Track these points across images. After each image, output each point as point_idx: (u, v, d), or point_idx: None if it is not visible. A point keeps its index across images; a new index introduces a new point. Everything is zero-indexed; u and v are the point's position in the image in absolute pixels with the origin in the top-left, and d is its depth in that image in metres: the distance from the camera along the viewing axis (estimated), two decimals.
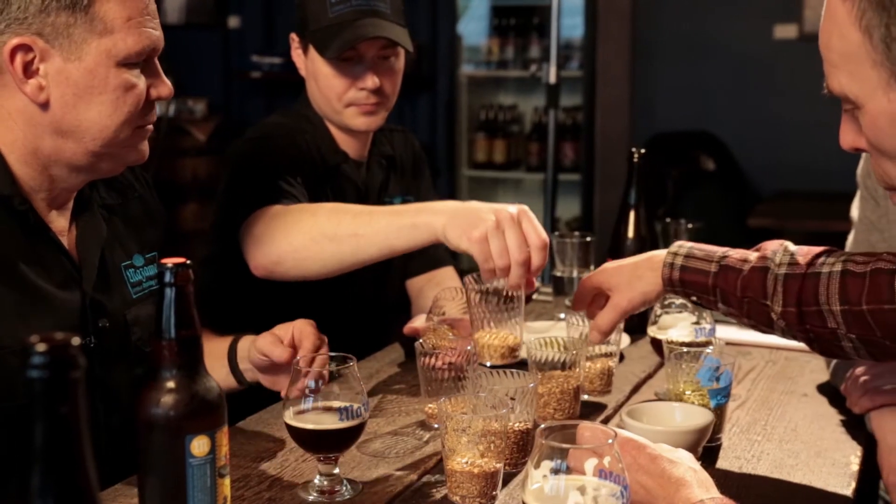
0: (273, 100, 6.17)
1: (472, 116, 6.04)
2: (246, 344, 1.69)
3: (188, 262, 1.16)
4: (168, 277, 1.15)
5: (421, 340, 1.73)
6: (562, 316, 2.33)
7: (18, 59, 1.42)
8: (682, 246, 1.58)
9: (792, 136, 5.35)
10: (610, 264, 1.69)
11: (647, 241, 2.26)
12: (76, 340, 0.76)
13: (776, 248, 1.46)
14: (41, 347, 0.74)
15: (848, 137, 1.18)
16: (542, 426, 1.18)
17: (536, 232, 1.63)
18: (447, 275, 2.39)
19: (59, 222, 1.55)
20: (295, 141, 2.13)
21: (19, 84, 1.44)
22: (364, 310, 2.23)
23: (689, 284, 1.54)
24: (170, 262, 1.15)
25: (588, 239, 2.32)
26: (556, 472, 1.14)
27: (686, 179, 4.95)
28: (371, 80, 2.13)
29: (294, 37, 2.22)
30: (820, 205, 4.75)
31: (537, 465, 1.15)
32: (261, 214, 1.85)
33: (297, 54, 2.22)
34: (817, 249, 1.43)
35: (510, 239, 1.61)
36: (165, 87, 1.54)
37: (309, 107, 2.23)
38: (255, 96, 6.12)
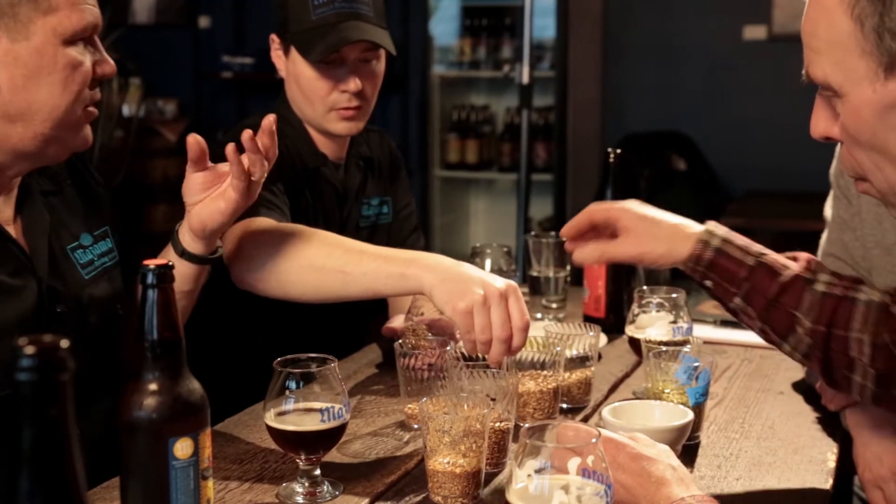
0: (244, 100, 6.15)
1: (445, 117, 6.04)
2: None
3: (170, 263, 1.16)
4: (150, 279, 1.14)
5: (400, 341, 1.73)
6: (538, 316, 2.34)
7: None
8: (718, 227, 1.49)
9: (762, 136, 5.40)
10: (633, 205, 1.55)
11: None
12: (65, 343, 0.75)
13: (817, 263, 1.42)
14: (30, 350, 0.74)
15: (820, 126, 1.18)
16: (526, 426, 1.18)
17: (521, 312, 1.59)
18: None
19: (5, 212, 1.54)
20: None
21: None
22: (341, 310, 2.22)
23: (718, 269, 1.43)
24: (151, 263, 1.14)
25: (564, 240, 2.32)
26: (540, 471, 1.15)
27: (658, 179, 4.98)
28: (353, 83, 2.12)
29: (274, 38, 2.20)
30: (791, 204, 4.79)
31: (521, 465, 1.16)
32: (248, 226, 1.82)
33: (277, 55, 2.21)
34: (853, 276, 1.41)
35: (495, 316, 1.57)
36: (108, 65, 1.54)
37: (288, 109, 2.21)
38: (225, 97, 6.09)
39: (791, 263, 1.40)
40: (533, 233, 2.42)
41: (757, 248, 1.44)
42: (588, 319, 2.27)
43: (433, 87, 6.00)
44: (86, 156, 1.75)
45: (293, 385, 1.44)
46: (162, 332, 1.14)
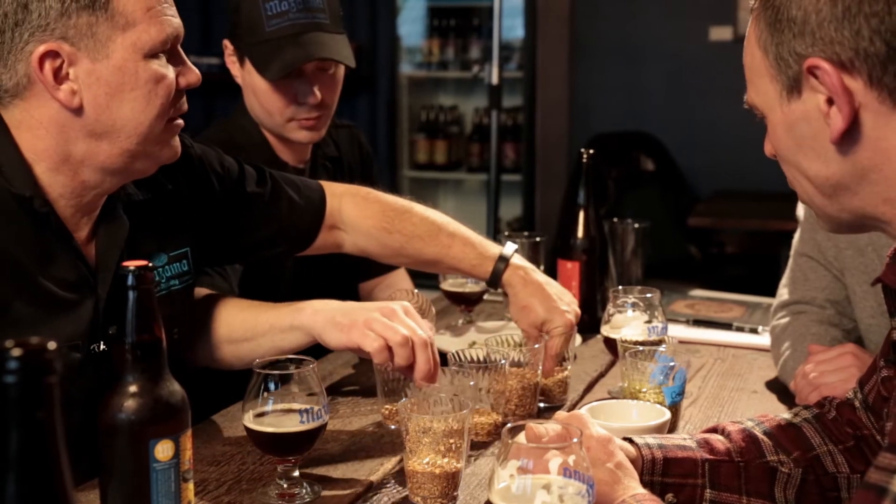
0: (210, 101, 6.10)
1: (413, 117, 6.04)
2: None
3: (150, 264, 1.15)
4: (130, 281, 1.13)
5: None
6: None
7: (47, 66, 1.39)
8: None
9: (728, 137, 5.44)
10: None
11: (596, 241, 2.28)
12: (52, 345, 0.74)
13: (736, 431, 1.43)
14: (16, 352, 0.73)
15: (767, 146, 1.29)
16: (509, 425, 1.18)
17: (423, 328, 1.59)
18: (399, 277, 2.39)
19: (83, 227, 1.50)
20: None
21: (52, 91, 1.40)
22: None
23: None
24: (132, 265, 1.14)
25: (538, 239, 2.33)
26: (522, 471, 1.15)
27: (626, 180, 5.01)
28: (313, 97, 2.08)
29: (227, 44, 2.14)
30: (757, 204, 4.83)
31: (504, 465, 1.16)
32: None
33: (231, 62, 2.15)
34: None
35: (396, 321, 1.57)
36: (193, 73, 1.51)
37: (245, 115, 2.17)
38: (191, 97, 6.01)
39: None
40: (506, 233, 2.42)
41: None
42: None
43: (401, 87, 5.99)
44: (199, 163, 1.72)
45: (272, 386, 1.43)
46: (142, 333, 1.13)
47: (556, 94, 5.67)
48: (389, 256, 1.93)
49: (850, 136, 1.12)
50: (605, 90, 5.68)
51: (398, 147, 5.95)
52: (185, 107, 1.53)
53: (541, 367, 1.71)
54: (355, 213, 1.89)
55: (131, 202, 1.57)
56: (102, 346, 1.49)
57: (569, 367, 1.83)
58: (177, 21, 1.48)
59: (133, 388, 1.13)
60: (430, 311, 1.94)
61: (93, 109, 1.42)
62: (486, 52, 5.75)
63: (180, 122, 1.53)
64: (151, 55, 1.44)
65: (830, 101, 1.12)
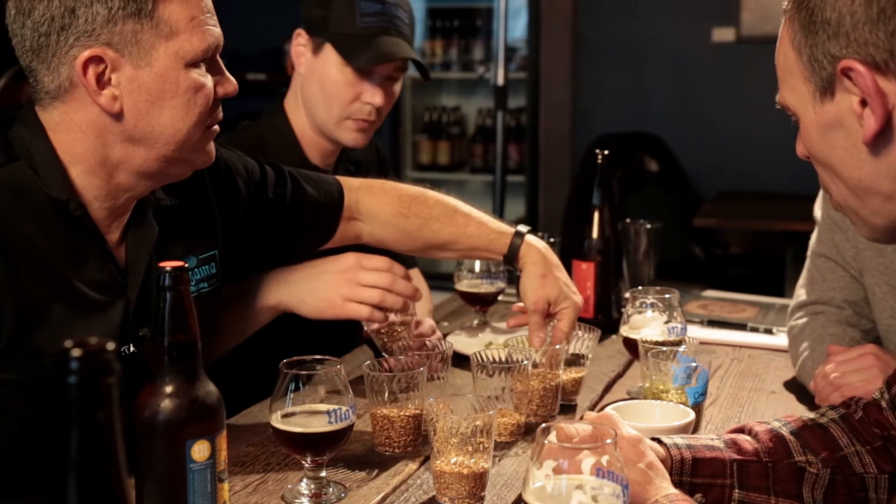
0: None
1: (416, 118, 6.05)
2: None
3: (186, 265, 1.15)
4: (166, 281, 1.13)
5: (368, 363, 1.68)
6: None
7: (91, 71, 1.39)
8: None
9: (731, 138, 5.45)
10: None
11: (611, 242, 2.28)
12: (111, 345, 0.74)
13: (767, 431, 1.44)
14: (76, 353, 0.73)
15: (798, 146, 1.28)
16: (543, 425, 1.19)
17: (382, 266, 1.78)
18: (414, 276, 2.39)
19: (115, 230, 1.51)
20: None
21: (93, 96, 1.41)
22: None
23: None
24: (168, 265, 1.14)
25: (552, 240, 2.34)
26: (557, 471, 1.15)
27: (630, 180, 5.01)
28: (379, 97, 2.14)
29: (302, 33, 2.19)
30: (762, 205, 4.84)
31: (539, 465, 1.16)
32: None
33: (299, 51, 2.19)
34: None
35: (368, 279, 1.76)
36: (231, 83, 1.52)
37: (280, 116, 2.22)
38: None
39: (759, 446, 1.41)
40: None
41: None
42: (577, 319, 2.28)
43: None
44: (225, 168, 1.74)
45: (299, 386, 1.43)
46: (178, 334, 1.14)
47: (560, 95, 5.68)
48: (407, 243, 1.97)
49: (883, 138, 1.13)
50: (609, 91, 5.68)
51: (401, 148, 5.96)
52: (221, 115, 1.54)
53: (561, 367, 1.72)
54: (373, 202, 1.93)
55: (160, 207, 1.58)
56: (132, 349, 1.50)
57: (586, 366, 1.84)
58: (218, 31, 1.49)
59: (169, 389, 1.13)
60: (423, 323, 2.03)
61: (132, 115, 1.43)
62: (489, 53, 5.76)
63: (216, 128, 1.54)
64: (192, 64, 1.45)
65: (864, 103, 1.12)
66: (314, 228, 1.90)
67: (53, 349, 1.37)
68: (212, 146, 1.55)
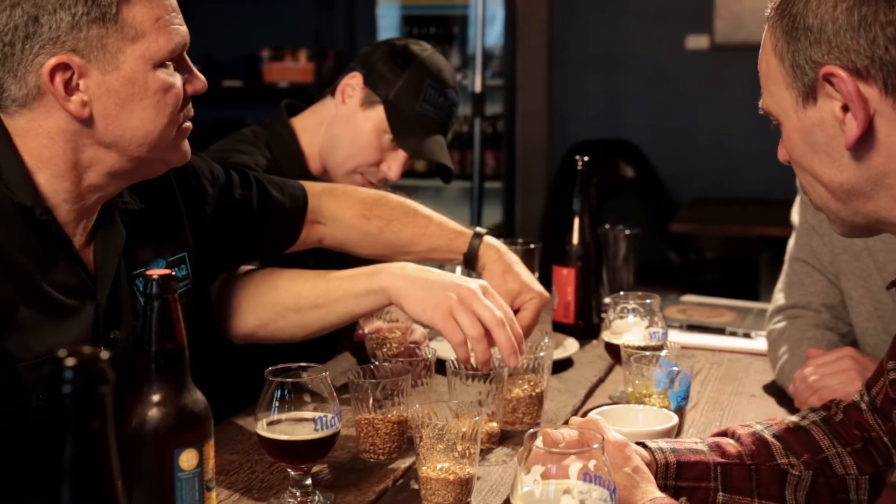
0: None
1: None
2: None
3: (174, 273, 1.15)
4: (153, 289, 1.13)
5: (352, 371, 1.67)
6: None
7: (58, 78, 1.38)
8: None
9: (706, 144, 5.49)
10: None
11: (591, 248, 2.29)
12: (105, 354, 0.74)
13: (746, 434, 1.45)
14: (70, 362, 0.73)
15: (781, 151, 1.29)
16: (531, 431, 1.19)
17: (501, 305, 1.62)
18: None
19: (82, 233, 1.50)
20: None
21: (62, 103, 1.40)
22: None
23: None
24: (155, 273, 1.13)
25: (532, 246, 2.35)
26: (546, 476, 1.16)
27: (606, 187, 5.03)
28: (396, 173, 2.21)
29: (359, 77, 2.21)
30: (736, 210, 4.88)
31: (527, 470, 1.16)
32: (222, 283, 1.86)
33: (349, 93, 2.22)
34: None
35: (480, 310, 1.59)
36: (200, 81, 1.52)
37: (285, 126, 2.24)
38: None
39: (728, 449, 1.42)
40: (502, 240, 2.43)
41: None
42: (557, 325, 2.30)
43: None
44: (191, 170, 1.73)
45: (284, 394, 1.43)
46: (165, 342, 1.13)
47: (536, 102, 5.70)
48: (369, 245, 1.97)
49: (864, 143, 1.15)
50: (585, 98, 5.71)
51: None
52: (192, 112, 1.54)
53: (546, 374, 1.72)
54: (335, 205, 1.94)
55: (127, 210, 1.57)
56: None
57: (542, 385, 1.75)
58: (184, 30, 1.49)
59: (157, 397, 1.13)
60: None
61: (103, 120, 1.43)
62: (465, 60, 5.78)
63: (189, 125, 1.53)
64: (160, 65, 1.45)
65: (846, 108, 1.14)
66: (280, 231, 1.90)
67: (24, 354, 1.37)
68: (186, 144, 1.55)
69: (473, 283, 1.63)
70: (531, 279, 1.90)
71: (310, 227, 1.93)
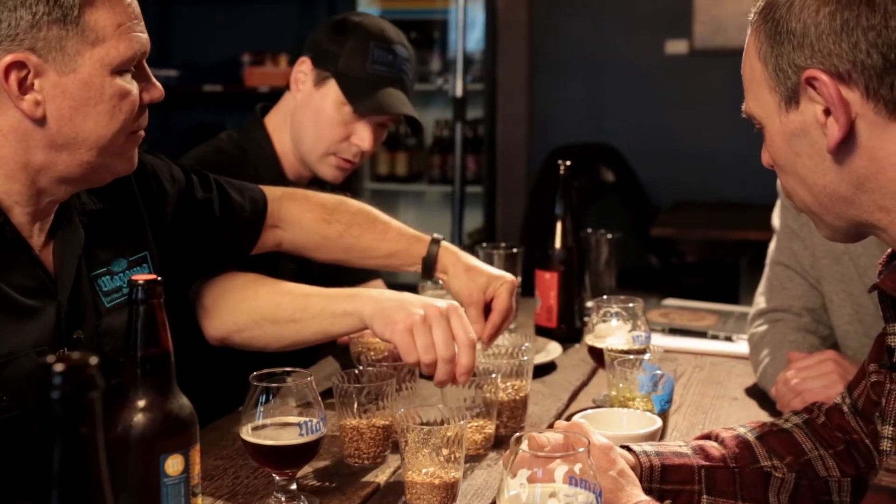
0: (167, 113, 6.07)
1: None
2: None
3: (159, 278, 1.15)
4: (139, 295, 1.13)
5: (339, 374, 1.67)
6: None
7: (13, 76, 1.37)
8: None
9: (685, 148, 5.51)
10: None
11: (574, 252, 2.30)
12: (94, 360, 0.74)
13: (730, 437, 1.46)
14: (59, 368, 0.73)
15: (764, 155, 1.30)
16: (517, 434, 1.19)
17: (465, 330, 1.61)
18: (376, 286, 2.39)
19: (38, 234, 1.50)
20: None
21: (15, 101, 1.39)
22: None
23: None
24: (140, 279, 1.13)
25: (514, 250, 2.36)
26: (532, 479, 1.16)
27: (587, 191, 5.04)
28: (368, 142, 2.17)
29: (307, 62, 2.19)
30: (717, 214, 4.90)
31: (514, 474, 1.17)
32: (206, 281, 1.86)
33: (301, 79, 2.20)
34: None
35: (437, 335, 1.59)
36: (157, 90, 1.51)
37: (260, 130, 2.22)
38: (149, 110, 5.98)
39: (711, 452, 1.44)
40: (483, 244, 2.44)
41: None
42: (540, 329, 2.30)
43: None
44: (151, 170, 1.73)
45: (269, 399, 1.43)
46: (151, 347, 1.13)
47: (516, 107, 5.71)
48: (328, 249, 1.98)
49: (846, 146, 1.16)
50: (565, 102, 5.73)
51: None
52: (146, 121, 1.53)
53: (529, 378, 1.73)
54: (295, 209, 1.95)
55: (85, 211, 1.57)
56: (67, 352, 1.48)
57: (525, 390, 1.76)
58: (145, 38, 1.48)
59: (142, 403, 1.13)
60: None
61: (56, 121, 1.42)
62: (446, 65, 5.78)
63: (141, 134, 1.53)
64: (118, 71, 1.44)
65: (828, 112, 1.15)
66: (241, 233, 1.90)
67: None
68: (135, 153, 1.54)
69: (442, 303, 1.64)
70: (495, 269, 1.93)
71: (268, 231, 1.94)
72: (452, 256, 1.93)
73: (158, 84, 1.52)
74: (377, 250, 1.98)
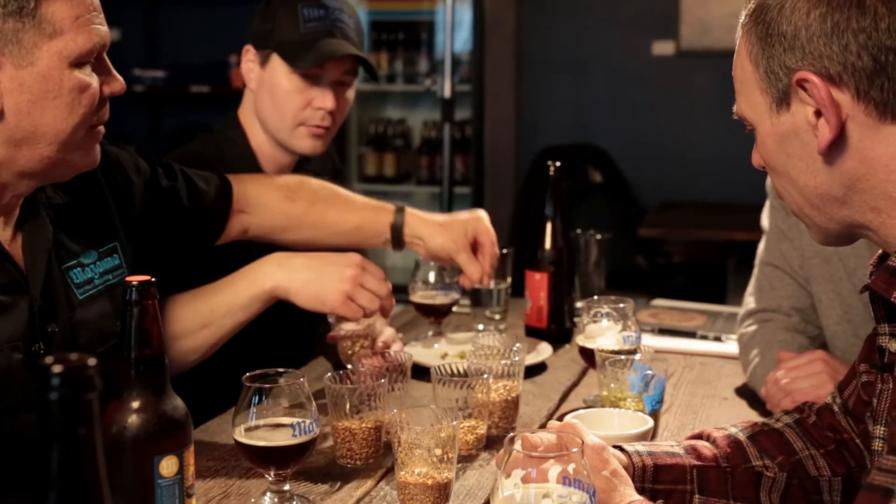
0: (155, 114, 6.05)
1: (361, 130, 6.04)
2: None
3: (153, 279, 1.14)
4: (133, 296, 1.13)
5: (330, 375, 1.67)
6: (480, 327, 2.37)
7: None
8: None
9: (672, 149, 5.52)
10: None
11: (564, 252, 2.30)
12: (92, 361, 0.74)
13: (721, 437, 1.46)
14: (57, 369, 0.73)
15: (755, 156, 1.30)
16: (510, 434, 1.20)
17: (381, 278, 1.80)
18: None
19: (4, 229, 1.49)
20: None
21: None
22: (286, 324, 2.20)
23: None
24: (135, 280, 1.13)
25: (505, 251, 2.36)
26: (526, 480, 1.16)
27: (575, 192, 5.05)
28: (329, 100, 2.14)
29: (250, 48, 2.20)
30: (704, 214, 4.92)
31: (507, 475, 1.17)
32: None
33: (249, 67, 2.20)
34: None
35: (370, 285, 1.77)
36: (118, 82, 1.50)
37: (236, 127, 2.21)
38: (136, 111, 5.98)
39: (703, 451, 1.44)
40: None
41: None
42: (530, 330, 2.31)
43: None
44: (116, 162, 1.73)
45: (262, 400, 1.43)
46: (145, 348, 1.13)
47: (504, 107, 5.71)
48: (295, 228, 2.01)
49: (837, 148, 1.16)
50: (552, 103, 5.74)
51: (347, 160, 5.94)
52: (107, 115, 1.52)
53: (520, 378, 1.73)
54: (259, 190, 1.99)
55: (52, 205, 1.56)
56: (42, 347, 1.48)
57: (519, 386, 1.76)
58: (104, 30, 1.46)
59: (136, 404, 1.13)
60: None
61: (14, 115, 1.40)
62: (433, 66, 5.78)
63: (101, 129, 1.52)
64: (77, 64, 1.42)
65: (818, 114, 1.16)
66: (208, 220, 1.90)
67: None
68: (97, 149, 1.53)
69: (355, 258, 1.77)
70: (461, 213, 2.09)
71: (235, 217, 1.95)
72: (420, 220, 2.03)
73: (119, 77, 1.51)
74: (343, 223, 2.02)
